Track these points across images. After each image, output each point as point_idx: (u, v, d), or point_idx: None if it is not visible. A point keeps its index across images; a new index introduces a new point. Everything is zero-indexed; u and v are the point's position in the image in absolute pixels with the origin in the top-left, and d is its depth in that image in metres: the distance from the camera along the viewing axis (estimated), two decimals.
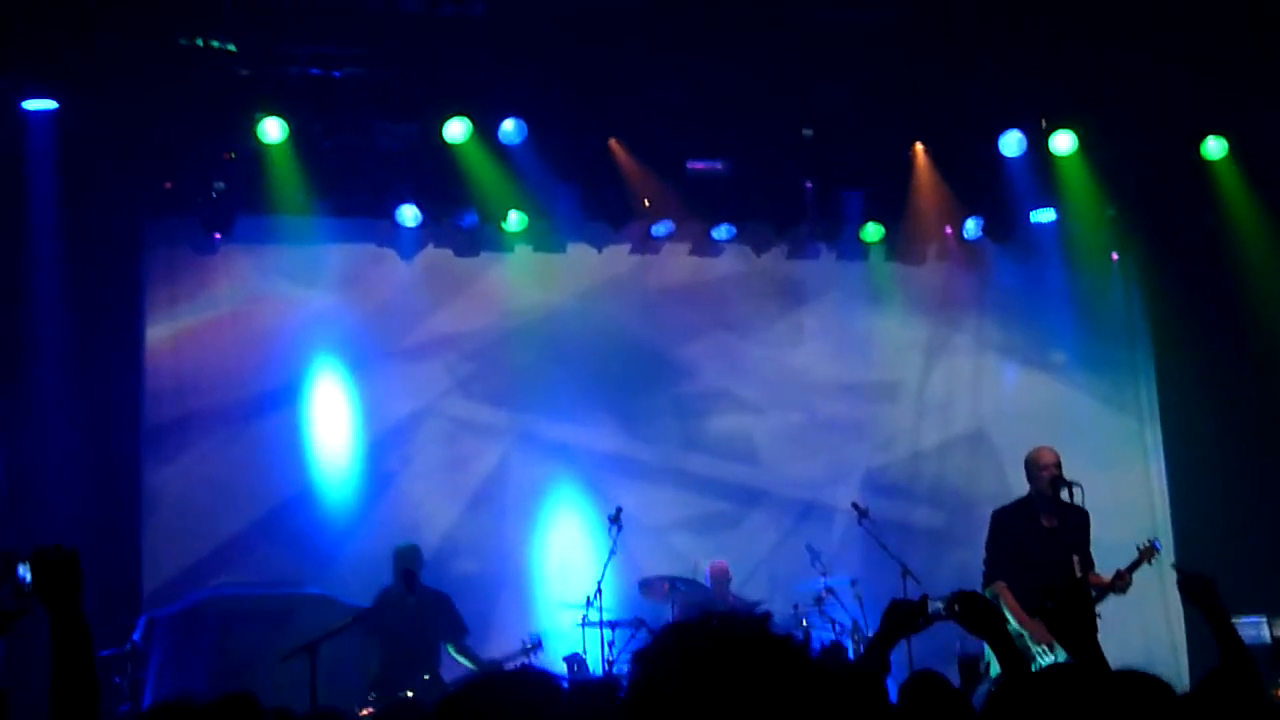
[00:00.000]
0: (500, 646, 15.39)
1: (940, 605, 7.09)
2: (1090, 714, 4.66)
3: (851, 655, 14.84)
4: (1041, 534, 12.97)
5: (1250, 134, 17.07)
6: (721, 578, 16.75)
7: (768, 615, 3.60)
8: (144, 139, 15.55)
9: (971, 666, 8.00)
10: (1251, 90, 16.52)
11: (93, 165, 15.46)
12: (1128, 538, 13.26)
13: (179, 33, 14.80)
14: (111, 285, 16.30)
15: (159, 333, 16.90)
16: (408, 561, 15.30)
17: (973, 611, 6.95)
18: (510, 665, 14.68)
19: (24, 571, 5.26)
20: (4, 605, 5.22)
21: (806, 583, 16.50)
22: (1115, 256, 18.93)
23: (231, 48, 15.09)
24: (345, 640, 14.29)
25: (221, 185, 16.25)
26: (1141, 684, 5.14)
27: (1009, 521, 13.20)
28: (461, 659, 15.12)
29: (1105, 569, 12.94)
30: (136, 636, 15.25)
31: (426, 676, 14.72)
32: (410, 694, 14.33)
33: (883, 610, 7.23)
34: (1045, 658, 12.51)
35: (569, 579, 16.31)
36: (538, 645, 15.12)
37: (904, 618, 7.05)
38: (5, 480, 15.12)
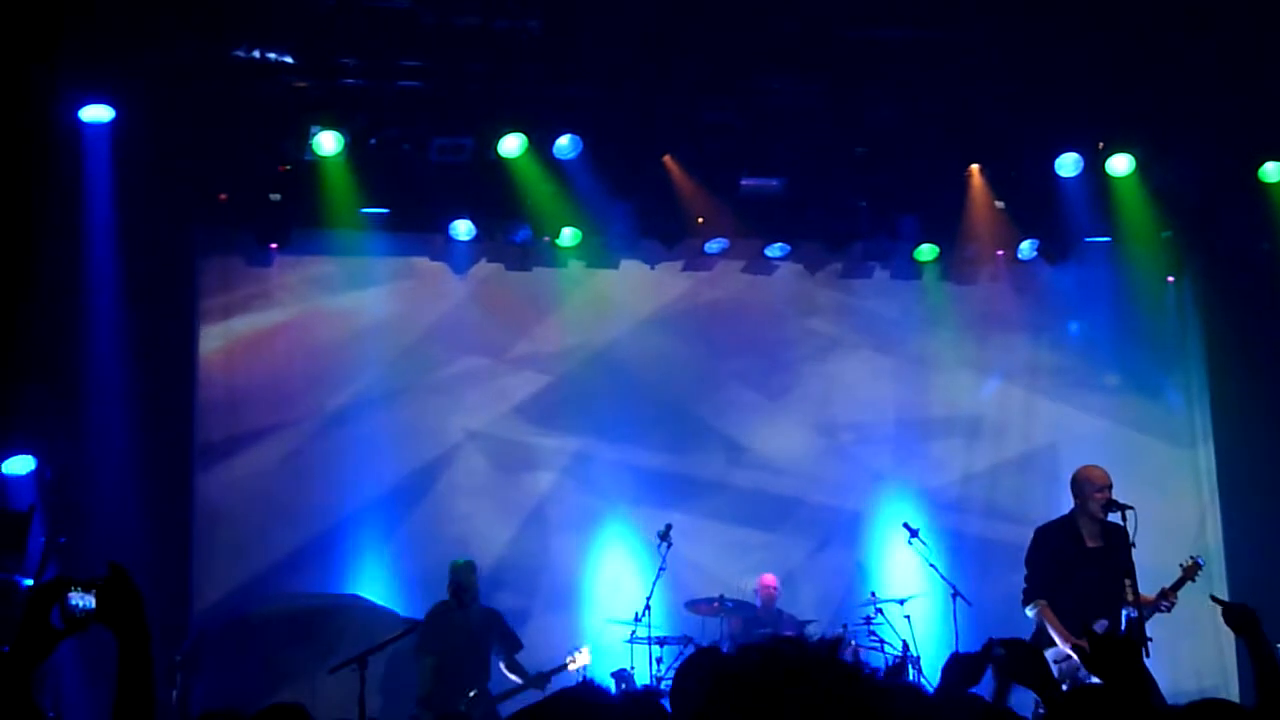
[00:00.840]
0: (550, 662, 15.35)
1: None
2: None
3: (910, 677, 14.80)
4: (1085, 553, 12.85)
5: None
6: (770, 593, 16.70)
7: (836, 641, 3.58)
8: (199, 150, 15.60)
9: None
10: None
11: (148, 176, 15.48)
12: (1178, 563, 13.13)
13: (235, 44, 14.83)
14: (166, 296, 16.36)
15: (212, 344, 16.99)
16: (463, 577, 15.29)
17: (1018, 659, 6.90)
18: (555, 676, 14.74)
19: (77, 599, 5.20)
20: (54, 627, 5.17)
21: (856, 602, 16.46)
22: (1170, 279, 18.82)
23: (288, 60, 15.13)
24: (392, 653, 14.31)
25: (277, 197, 16.31)
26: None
27: (1052, 539, 13.08)
28: (512, 675, 15.08)
29: (1152, 593, 12.83)
30: (186, 648, 15.31)
31: (474, 693, 14.70)
32: (462, 709, 14.34)
33: (944, 664, 7.18)
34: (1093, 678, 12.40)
35: (618, 596, 16.28)
36: (585, 657, 15.11)
37: (966, 671, 7.00)
38: (58, 491, 15.15)
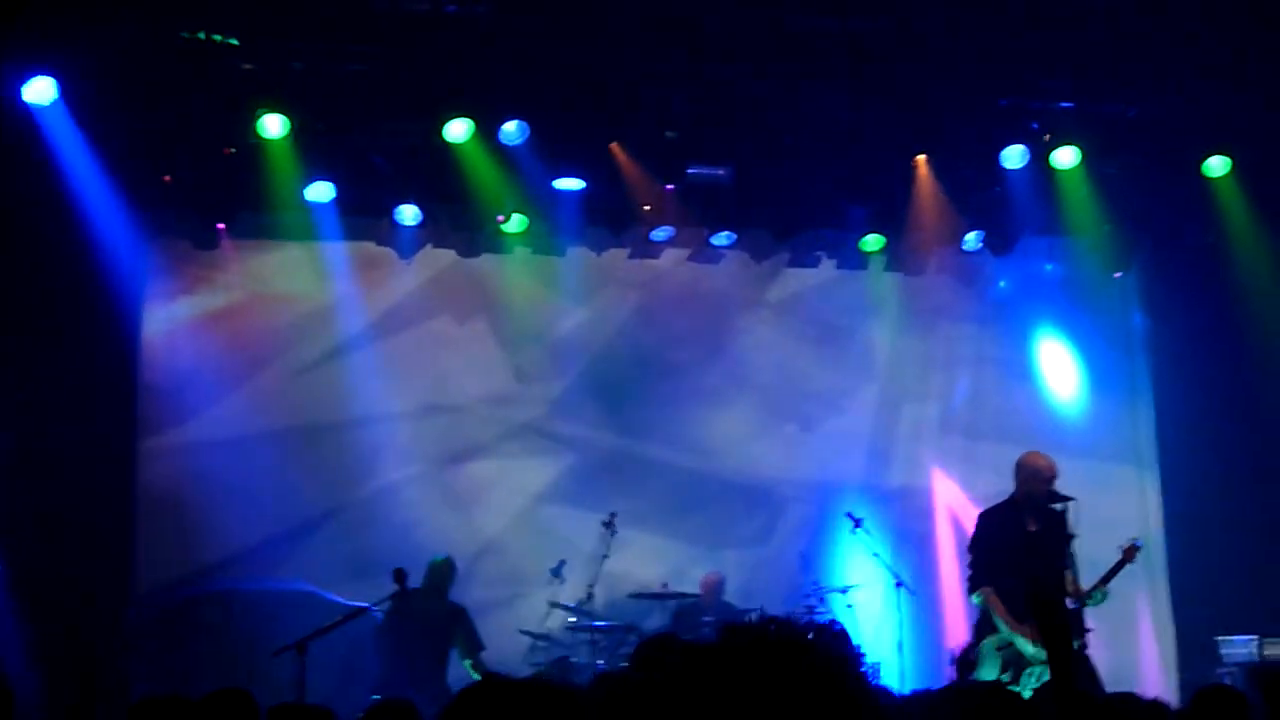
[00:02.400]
0: (494, 653, 15.39)
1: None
2: None
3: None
4: (1026, 537, 12.92)
5: (1253, 152, 17.02)
6: (714, 589, 16.73)
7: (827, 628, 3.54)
8: (145, 132, 15.52)
9: (967, 662, 8.01)
10: (1254, 108, 16.48)
11: (93, 157, 15.39)
12: (1117, 545, 13.19)
13: (182, 26, 14.75)
14: (109, 278, 16.25)
15: (156, 327, 16.91)
16: (446, 573, 15.39)
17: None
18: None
19: None
20: None
21: (798, 591, 16.50)
22: (1117, 275, 18.87)
23: (234, 42, 15.04)
24: (333, 638, 14.26)
25: (222, 180, 16.21)
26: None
27: (994, 524, 13.16)
28: (475, 675, 15.08)
29: (1093, 580, 12.89)
30: (126, 631, 15.25)
31: (430, 686, 14.68)
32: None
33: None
34: (1040, 661, 12.45)
35: (563, 582, 16.24)
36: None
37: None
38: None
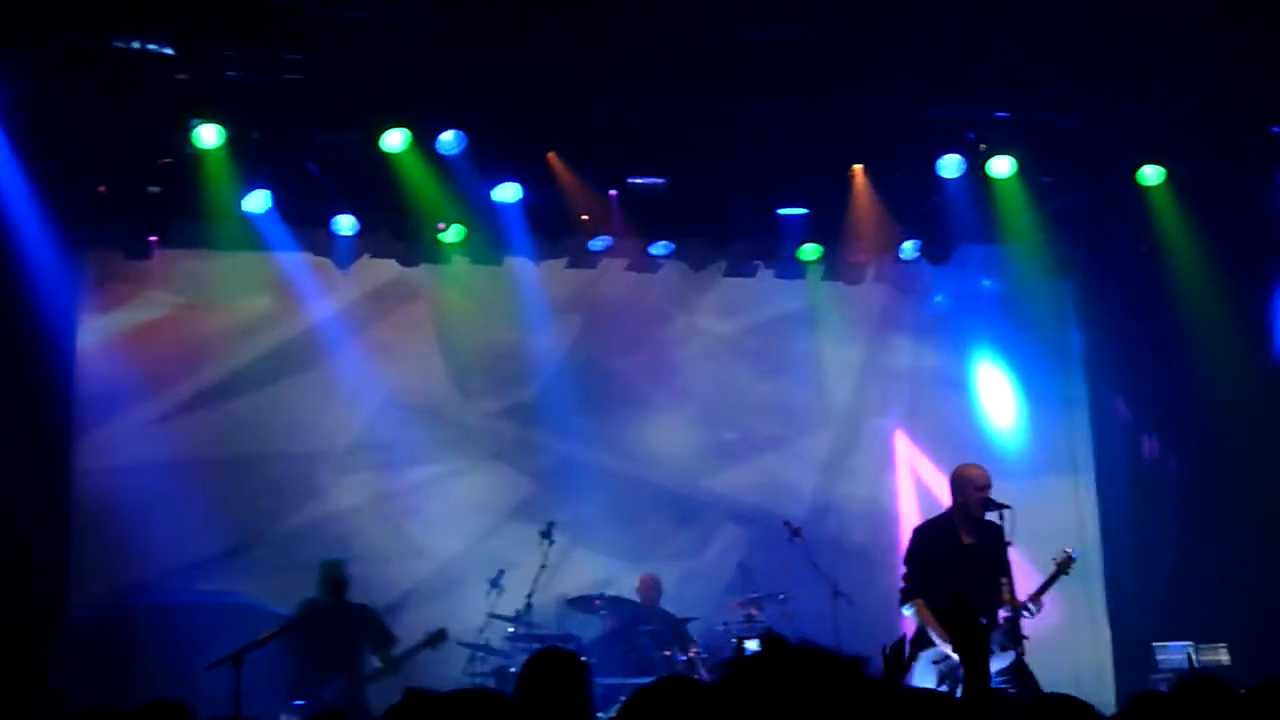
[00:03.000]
0: (437, 658, 15.35)
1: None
2: None
3: None
4: (962, 551, 12.94)
5: (1187, 161, 17.11)
6: (651, 590, 16.73)
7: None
8: (78, 141, 15.42)
9: (896, 656, 8.03)
10: (1189, 117, 16.57)
11: (23, 168, 15.29)
12: (1051, 559, 13.23)
13: (116, 35, 14.65)
14: (44, 288, 16.15)
15: (91, 337, 16.81)
16: (335, 575, 15.28)
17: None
18: (408, 660, 14.76)
19: None
20: None
21: (737, 599, 16.50)
22: (1055, 284, 18.92)
23: (169, 52, 14.95)
24: (269, 650, 14.19)
25: (156, 190, 16.12)
26: (1066, 708, 5.13)
27: (930, 538, 13.17)
28: (389, 669, 15.03)
29: (1031, 589, 12.93)
30: (61, 643, 15.15)
31: (342, 685, 14.66)
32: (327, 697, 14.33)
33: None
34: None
35: (502, 592, 16.19)
36: (442, 636, 15.06)
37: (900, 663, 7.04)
38: None
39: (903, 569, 13.20)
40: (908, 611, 12.93)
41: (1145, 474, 18.31)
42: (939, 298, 18.98)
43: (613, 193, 17.23)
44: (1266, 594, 16.60)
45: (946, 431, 18.53)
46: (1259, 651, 15.74)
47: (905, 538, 13.65)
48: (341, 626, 15.05)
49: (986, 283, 18.95)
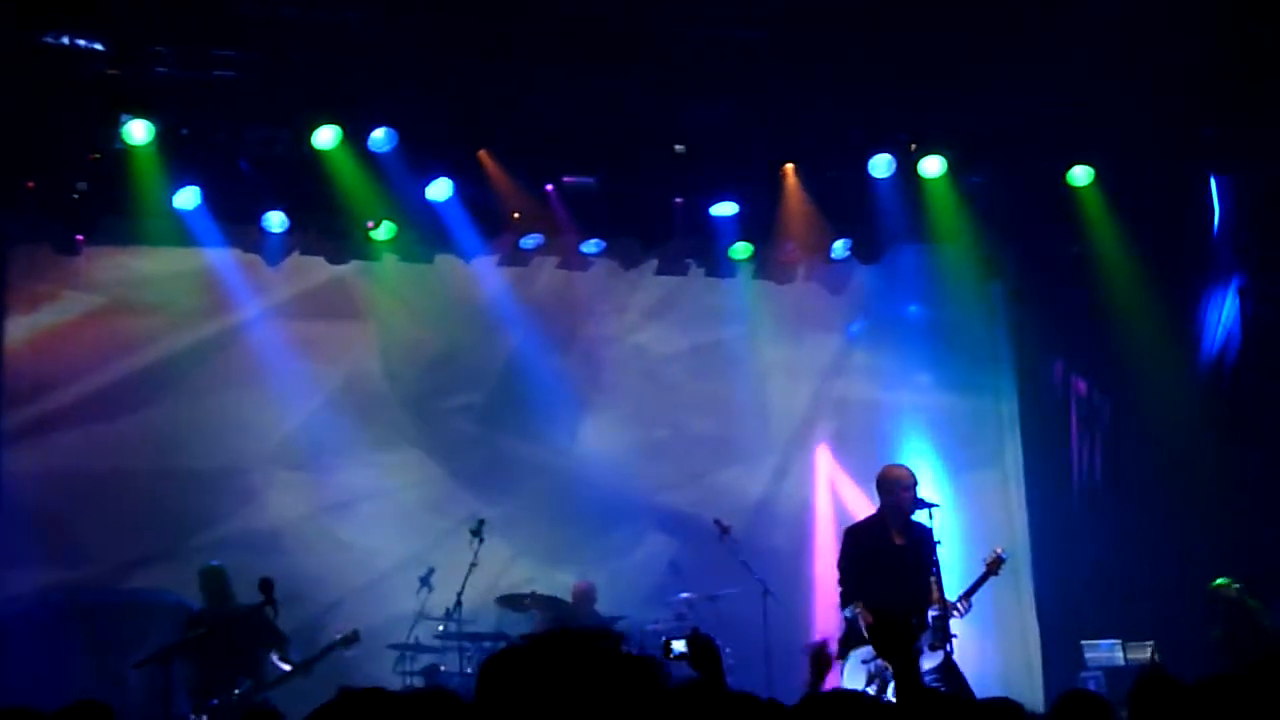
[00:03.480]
0: (368, 657, 15.33)
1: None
2: None
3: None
4: (893, 551, 12.98)
5: (1115, 161, 17.24)
6: (585, 597, 16.73)
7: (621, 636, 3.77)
8: (6, 136, 15.31)
9: (820, 655, 8.09)
10: (1117, 118, 16.69)
11: None
12: (981, 559, 13.29)
13: (46, 30, 14.56)
14: None
15: (18, 333, 16.70)
16: (211, 582, 15.22)
17: (700, 650, 7.02)
18: (320, 660, 14.67)
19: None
20: None
21: (668, 599, 16.52)
22: (983, 281, 18.99)
23: (99, 47, 14.87)
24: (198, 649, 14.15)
25: (84, 186, 16.02)
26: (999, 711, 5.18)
27: (860, 538, 13.20)
28: (284, 666, 14.94)
29: (961, 587, 12.99)
30: None
31: (239, 690, 14.52)
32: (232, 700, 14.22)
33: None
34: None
35: (431, 590, 16.15)
36: (355, 637, 14.99)
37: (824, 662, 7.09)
38: None
39: (837, 572, 13.20)
40: (848, 614, 12.94)
41: (1074, 473, 18.42)
42: (855, 327, 19.03)
43: (549, 188, 17.21)
44: (1193, 593, 16.72)
45: (876, 430, 18.59)
46: (1185, 649, 15.87)
47: (831, 538, 13.66)
48: (236, 629, 14.89)
49: (913, 308, 18.98)
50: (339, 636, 14.91)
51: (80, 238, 16.68)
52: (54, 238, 16.71)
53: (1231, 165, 17.58)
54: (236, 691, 14.38)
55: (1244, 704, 6.14)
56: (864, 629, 12.72)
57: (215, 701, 14.32)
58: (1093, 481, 18.27)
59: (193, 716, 14.20)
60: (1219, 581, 16.06)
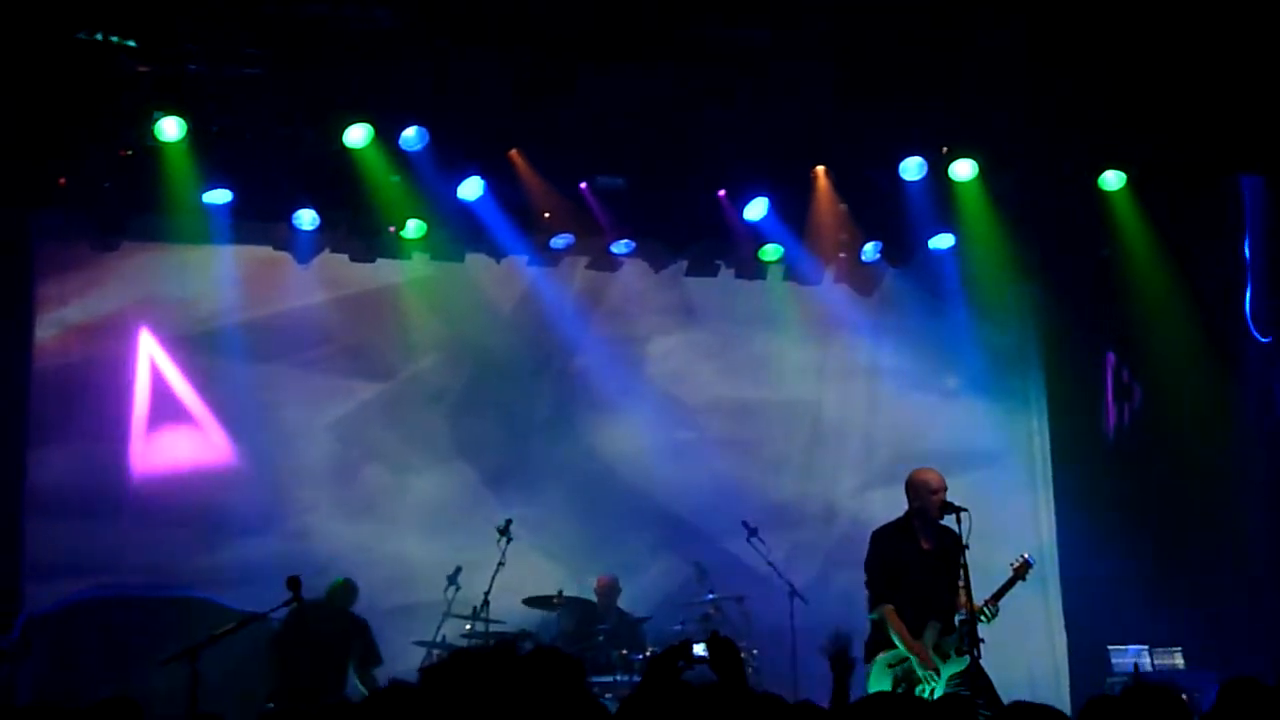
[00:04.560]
0: (394, 654, 15.39)
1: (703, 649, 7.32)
2: None
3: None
4: (921, 555, 12.92)
5: (1148, 167, 17.19)
6: (609, 591, 16.77)
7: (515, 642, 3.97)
8: (38, 132, 15.32)
9: (840, 657, 8.09)
10: (1150, 124, 16.63)
11: None
12: (1008, 564, 13.23)
13: (78, 26, 14.58)
14: (1, 281, 16.12)
15: (48, 331, 16.72)
16: (342, 597, 15.37)
17: (720, 653, 7.05)
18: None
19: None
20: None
21: (693, 600, 16.51)
22: (1013, 284, 18.94)
23: (131, 44, 14.88)
24: (226, 646, 14.13)
25: (115, 183, 16.04)
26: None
27: (888, 542, 13.12)
28: (362, 687, 15.04)
29: (988, 593, 12.93)
30: (15, 635, 15.07)
31: (328, 696, 14.63)
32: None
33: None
34: (933, 682, 12.53)
35: (459, 590, 16.16)
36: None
37: (664, 666, 7.10)
38: None
39: (865, 574, 13.16)
40: (875, 617, 12.90)
41: (1103, 478, 18.36)
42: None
43: (581, 187, 17.21)
44: (1221, 599, 16.69)
45: (905, 432, 18.56)
46: (1213, 656, 15.83)
47: (863, 536, 13.60)
48: (335, 636, 15.00)
49: (942, 311, 18.90)
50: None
51: (111, 235, 16.69)
52: (85, 234, 16.72)
53: (1263, 169, 17.49)
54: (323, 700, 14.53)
55: None
56: (892, 633, 12.71)
57: (271, 705, 14.43)
58: (1122, 486, 18.20)
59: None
60: None
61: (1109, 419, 18.59)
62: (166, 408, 17.00)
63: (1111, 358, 18.44)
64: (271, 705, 14.56)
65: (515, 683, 3.79)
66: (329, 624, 15.06)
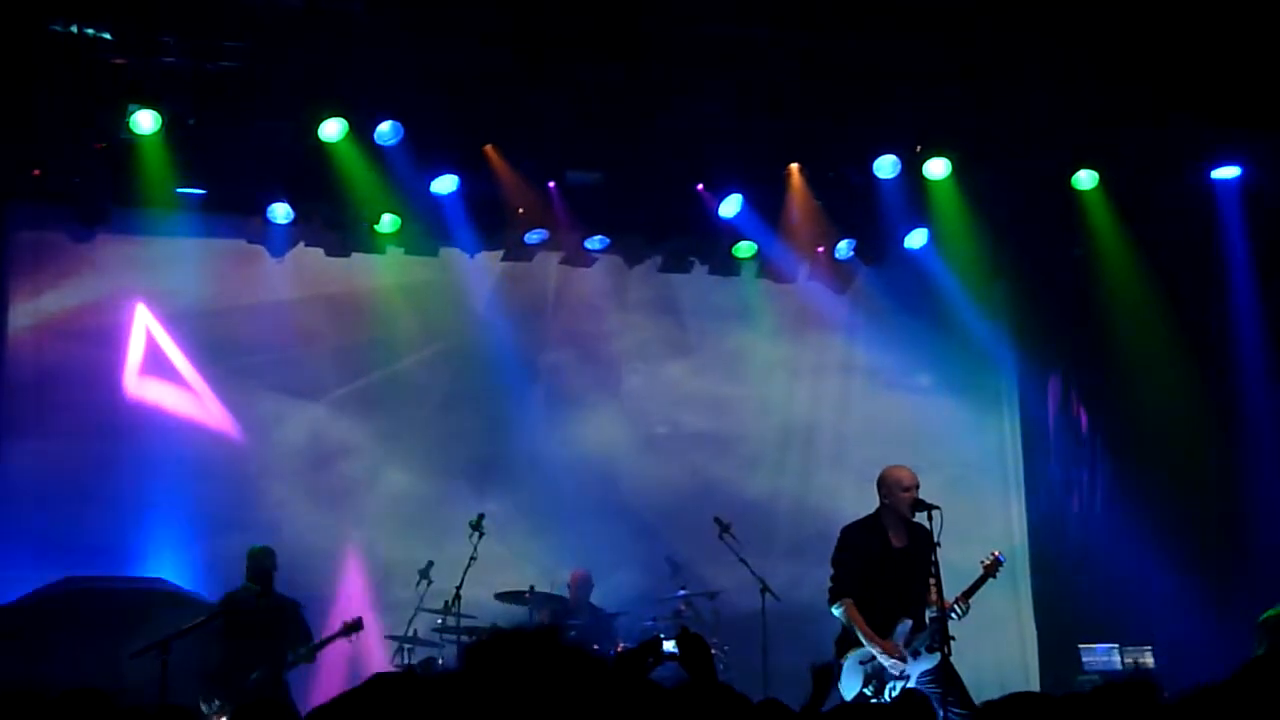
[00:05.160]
0: (366, 649, 15.36)
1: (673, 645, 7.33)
2: None
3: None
4: (891, 553, 12.96)
5: (1121, 166, 17.25)
6: (582, 586, 16.78)
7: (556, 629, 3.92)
8: (12, 124, 15.31)
9: (824, 673, 8.09)
10: (1123, 123, 16.69)
11: None
12: (979, 562, 13.25)
13: (53, 19, 14.57)
14: None
15: (21, 322, 16.69)
16: (262, 563, 15.20)
17: (690, 650, 7.07)
18: (325, 645, 14.76)
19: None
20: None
21: (665, 596, 16.54)
22: (984, 283, 18.97)
23: (107, 36, 14.88)
24: (194, 638, 14.15)
25: (90, 175, 16.02)
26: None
27: (858, 538, 13.16)
28: (302, 662, 15.03)
29: (959, 589, 12.97)
30: None
31: (256, 674, 14.58)
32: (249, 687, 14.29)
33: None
34: (903, 679, 12.57)
35: (430, 584, 16.16)
36: (358, 625, 15.01)
37: (633, 663, 7.11)
38: None
39: (831, 569, 13.19)
40: (836, 611, 12.94)
41: (1074, 475, 18.43)
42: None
43: (551, 185, 17.23)
44: (1192, 597, 16.74)
45: (878, 429, 18.60)
46: (1183, 654, 15.88)
47: (835, 534, 13.62)
48: (267, 617, 14.98)
49: (915, 309, 18.92)
50: (342, 625, 14.95)
51: (86, 227, 16.67)
52: (59, 226, 16.71)
53: (1236, 167, 17.52)
54: (253, 676, 14.47)
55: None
56: (853, 627, 12.75)
57: (231, 688, 14.41)
58: (1093, 484, 18.27)
59: (204, 705, 14.27)
60: (1270, 613, 16.03)
61: (1081, 418, 18.63)
62: (138, 401, 16.95)
63: (1083, 356, 18.46)
64: (256, 676, 14.54)
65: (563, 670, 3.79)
66: (271, 609, 15.01)
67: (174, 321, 17.19)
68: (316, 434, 17.57)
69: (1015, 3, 15.19)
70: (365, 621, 15.19)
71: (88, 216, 16.55)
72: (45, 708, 6.83)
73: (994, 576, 12.99)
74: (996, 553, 13.10)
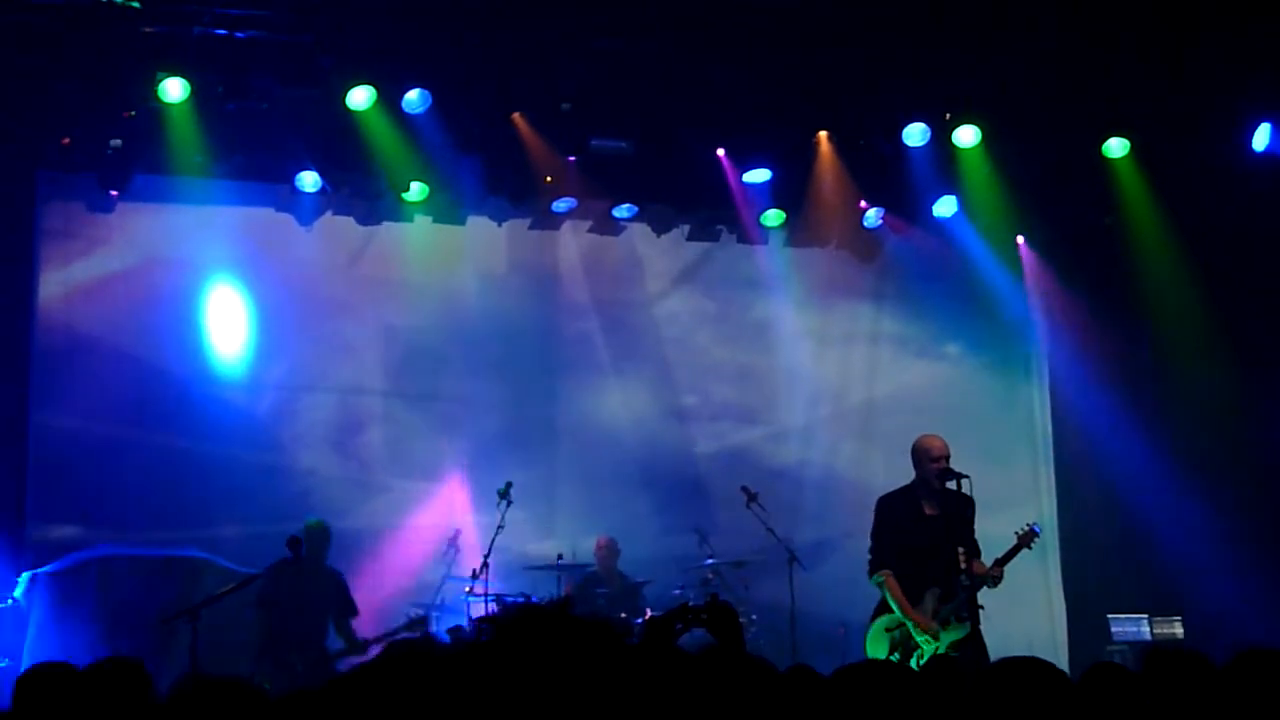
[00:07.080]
0: (385, 621, 15.34)
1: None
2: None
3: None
4: (924, 522, 12.98)
5: (1153, 135, 17.17)
6: (608, 553, 16.79)
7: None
8: (43, 93, 15.33)
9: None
10: (1155, 92, 16.62)
11: None
12: (1014, 531, 13.23)
13: None
14: (3, 239, 16.11)
15: (52, 290, 16.69)
16: (317, 539, 15.22)
17: (719, 618, 7.06)
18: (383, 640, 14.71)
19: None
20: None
21: (693, 565, 16.55)
22: (1020, 240, 18.90)
23: (135, 4, 14.86)
24: (226, 605, 14.18)
25: (119, 143, 16.03)
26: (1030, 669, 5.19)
27: (893, 509, 13.20)
28: (340, 638, 15.06)
29: (990, 559, 12.96)
30: (18, 594, 15.11)
31: (315, 656, 14.64)
32: (299, 668, 14.31)
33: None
34: (929, 646, 12.58)
35: (458, 552, 16.21)
36: (425, 619, 15.05)
37: (661, 629, 7.10)
38: None
39: (870, 542, 13.21)
40: (875, 581, 12.97)
41: (1103, 445, 18.37)
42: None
43: (579, 154, 17.18)
44: (1223, 567, 16.71)
45: (906, 399, 18.58)
46: (1213, 624, 15.87)
47: (863, 503, 13.63)
48: (312, 589, 15.00)
49: (944, 277, 18.86)
50: (406, 620, 14.95)
51: (114, 194, 16.69)
52: (88, 194, 16.73)
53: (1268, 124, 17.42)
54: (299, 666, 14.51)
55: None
56: (890, 599, 12.77)
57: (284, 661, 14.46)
58: (1123, 453, 18.20)
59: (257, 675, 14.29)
60: None
61: (1111, 387, 18.56)
62: (167, 369, 16.97)
63: (1114, 326, 18.39)
64: (256, 670, 14.56)
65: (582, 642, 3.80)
66: (312, 580, 15.04)
67: (202, 289, 17.18)
68: (344, 404, 17.59)
69: None
70: (394, 591, 15.24)
71: (117, 185, 16.55)
72: (81, 679, 6.84)
73: (1029, 547, 12.98)
74: (1031, 524, 13.08)
